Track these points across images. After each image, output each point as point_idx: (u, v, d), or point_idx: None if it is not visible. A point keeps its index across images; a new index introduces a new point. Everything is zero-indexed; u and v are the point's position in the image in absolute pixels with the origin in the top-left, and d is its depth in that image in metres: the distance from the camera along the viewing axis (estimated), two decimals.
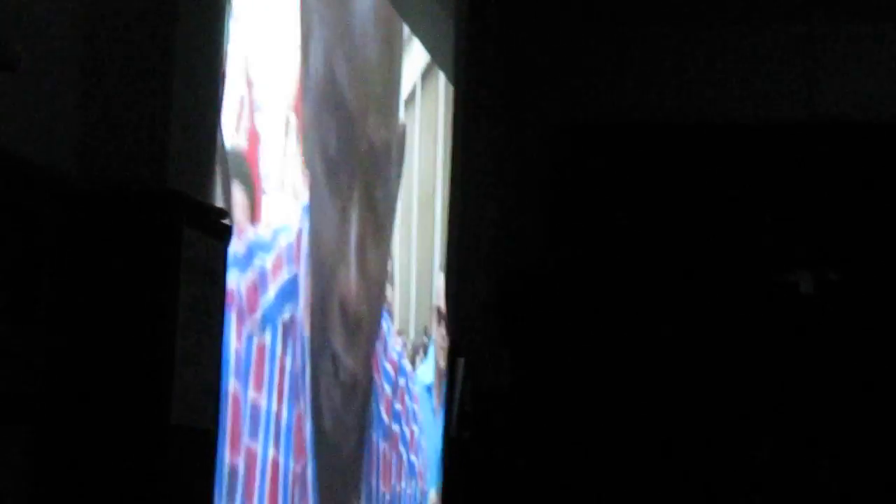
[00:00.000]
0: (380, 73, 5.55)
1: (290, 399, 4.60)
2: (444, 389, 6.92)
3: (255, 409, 4.27)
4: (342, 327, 5.12)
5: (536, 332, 8.60)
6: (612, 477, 8.58)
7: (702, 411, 8.60)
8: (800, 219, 8.68)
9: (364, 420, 5.44)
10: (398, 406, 5.93)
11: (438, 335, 6.84)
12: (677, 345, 8.65)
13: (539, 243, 8.82)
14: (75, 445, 3.30)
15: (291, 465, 4.63)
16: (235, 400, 4.07)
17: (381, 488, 5.70)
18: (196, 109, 3.59)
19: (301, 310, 4.68)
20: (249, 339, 4.20)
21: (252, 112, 4.27)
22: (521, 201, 8.81)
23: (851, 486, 8.52)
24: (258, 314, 4.28)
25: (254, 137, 4.29)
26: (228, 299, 3.78)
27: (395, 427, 5.89)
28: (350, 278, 5.19)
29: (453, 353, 6.99)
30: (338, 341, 5.09)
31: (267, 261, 4.37)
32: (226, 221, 3.69)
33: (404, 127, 5.97)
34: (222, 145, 3.85)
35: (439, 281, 6.90)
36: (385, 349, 5.73)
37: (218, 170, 3.82)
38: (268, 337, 4.36)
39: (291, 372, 4.61)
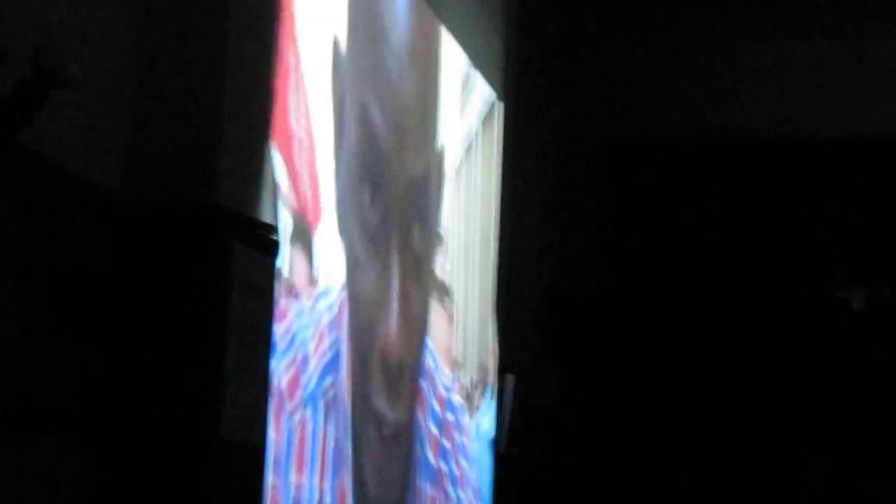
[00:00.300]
0: (416, 105, 5.48)
1: (332, 473, 4.49)
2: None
3: (297, 489, 4.12)
4: (384, 381, 5.02)
5: (585, 348, 8.57)
6: (660, 492, 8.54)
7: (754, 430, 8.54)
8: (853, 235, 8.62)
9: (408, 466, 5.35)
10: (446, 443, 5.84)
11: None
12: (727, 361, 8.59)
13: (588, 259, 8.79)
14: (125, 459, 3.31)
15: None
16: (275, 489, 3.89)
17: None
18: (246, 125, 3.60)
19: (343, 378, 4.58)
20: (290, 419, 4.05)
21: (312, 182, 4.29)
22: (569, 217, 8.79)
23: None
24: (299, 396, 4.14)
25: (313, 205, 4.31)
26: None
27: (443, 466, 5.80)
28: (391, 327, 5.11)
29: (502, 369, 6.98)
30: (380, 399, 4.99)
31: (309, 341, 4.23)
32: (274, 237, 3.71)
33: (443, 148, 5.88)
34: (271, 160, 3.86)
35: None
36: (432, 385, 5.63)
37: (267, 186, 3.83)
38: (308, 414, 4.22)
39: (334, 447, 4.49)
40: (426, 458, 5.55)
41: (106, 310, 3.30)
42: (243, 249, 3.46)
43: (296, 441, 4.12)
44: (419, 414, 5.44)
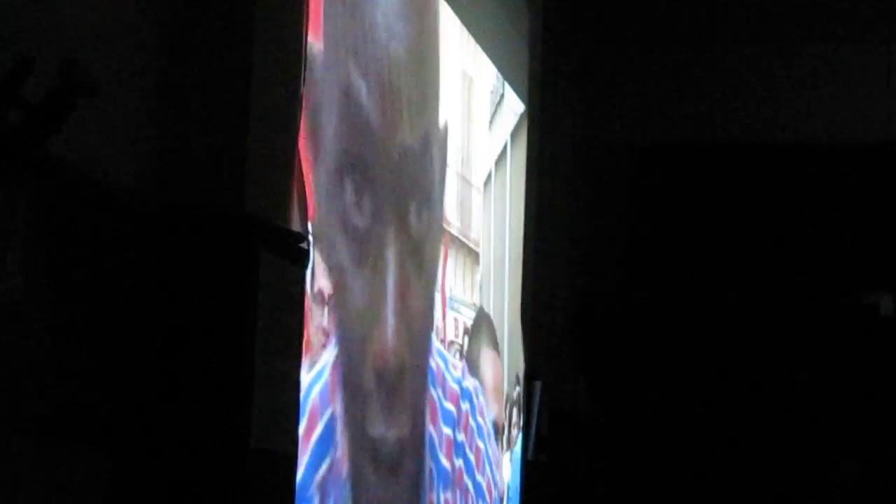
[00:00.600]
0: (411, 63, 4.95)
1: None
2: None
3: None
4: (380, 396, 4.60)
5: (612, 355, 8.56)
6: (688, 498, 8.51)
7: (781, 435, 8.51)
8: (881, 241, 8.59)
9: (413, 492, 5.00)
10: (460, 437, 5.66)
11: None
12: (755, 369, 8.57)
13: (615, 266, 8.77)
14: (155, 468, 3.30)
15: None
16: None
17: None
18: (273, 132, 3.60)
19: (340, 455, 4.22)
20: None
21: None
22: (597, 224, 8.78)
23: None
24: None
25: None
26: None
27: (458, 462, 5.62)
28: (386, 330, 4.69)
29: (530, 376, 6.97)
30: (376, 420, 4.58)
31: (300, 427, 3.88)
32: (302, 245, 3.70)
33: (447, 124, 5.43)
34: (300, 168, 3.85)
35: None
36: (443, 387, 5.38)
37: (295, 195, 3.82)
38: None
39: None
40: (439, 464, 5.32)
41: (135, 318, 3.29)
42: (271, 258, 3.45)
43: None
44: (428, 421, 5.16)
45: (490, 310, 6.17)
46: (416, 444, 5.01)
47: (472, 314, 5.94)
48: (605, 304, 8.62)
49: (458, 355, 5.72)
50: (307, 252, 3.72)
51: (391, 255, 4.69)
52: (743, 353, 8.57)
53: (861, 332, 8.50)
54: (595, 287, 8.66)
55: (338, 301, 4.22)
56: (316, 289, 4.02)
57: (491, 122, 6.26)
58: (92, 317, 3.13)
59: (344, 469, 4.23)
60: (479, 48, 5.91)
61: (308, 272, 3.84)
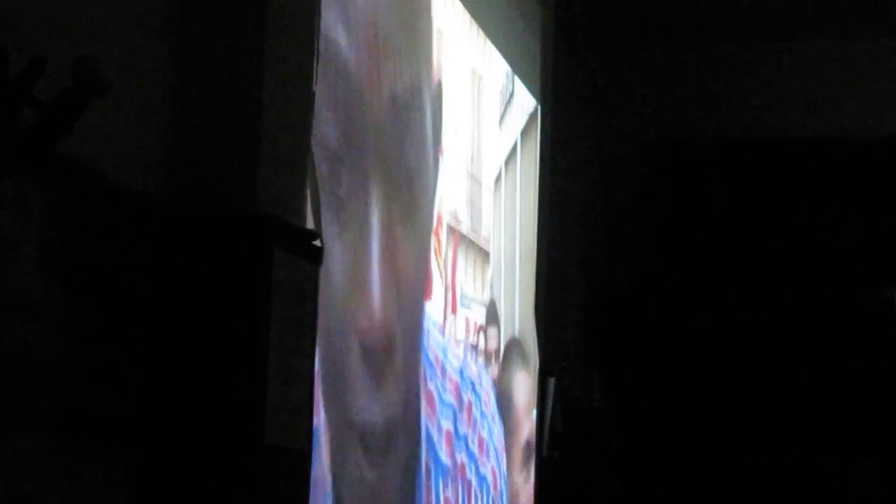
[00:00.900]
0: (400, 14, 4.67)
1: None
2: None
3: None
4: (366, 371, 4.32)
5: (627, 351, 8.55)
6: (703, 497, 8.50)
7: (795, 432, 8.50)
8: (894, 235, 8.57)
9: (408, 472, 4.73)
10: (463, 430, 5.48)
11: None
12: (769, 364, 8.56)
13: (629, 262, 8.77)
14: (170, 467, 3.31)
15: None
16: None
17: None
18: (286, 131, 3.60)
19: (323, 454, 3.94)
20: None
21: None
22: (610, 220, 8.77)
23: None
24: None
25: None
26: None
27: (461, 457, 5.44)
28: (372, 294, 4.38)
29: (544, 372, 6.97)
30: (363, 399, 4.24)
31: None
32: (316, 243, 3.70)
33: (440, 64, 5.08)
34: (313, 166, 3.85)
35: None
36: (442, 373, 5.16)
37: (309, 192, 3.82)
38: None
39: None
40: (438, 460, 5.11)
41: (148, 317, 3.30)
42: (285, 256, 3.46)
43: None
44: (426, 415, 4.93)
45: (501, 306, 6.16)
46: (408, 422, 4.73)
47: (483, 311, 5.93)
48: (618, 300, 8.61)
49: (469, 353, 5.67)
50: (321, 250, 3.73)
51: (375, 208, 4.40)
52: (757, 349, 8.56)
53: (877, 327, 8.48)
54: (608, 283, 8.66)
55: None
56: None
57: (501, 120, 6.25)
58: (106, 316, 3.14)
59: (325, 454, 4.01)
60: (489, 44, 5.90)
61: None
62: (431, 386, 5.05)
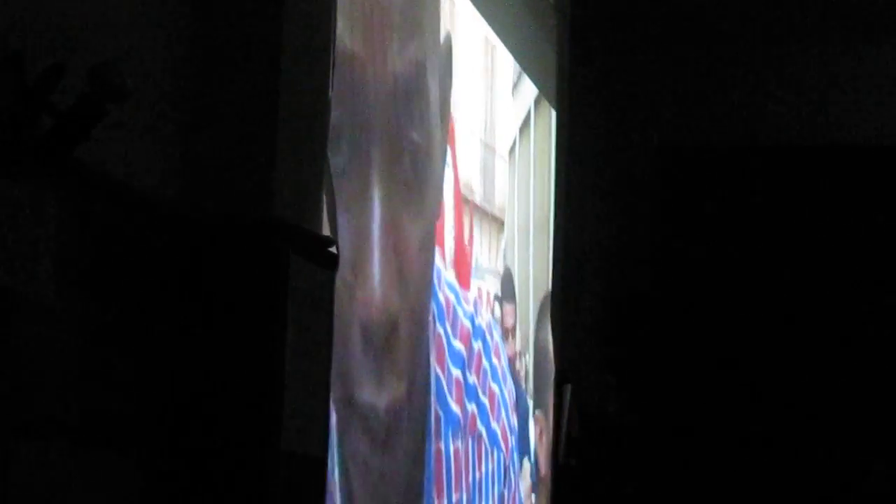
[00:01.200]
0: None
1: None
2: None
3: None
4: (369, 358, 4.23)
5: (644, 357, 8.54)
6: (719, 501, 8.48)
7: (814, 437, 8.48)
8: None
9: (413, 458, 4.62)
10: (472, 379, 5.32)
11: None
12: (788, 369, 8.54)
13: (646, 267, 8.75)
14: (184, 472, 3.31)
15: None
16: None
17: (453, 496, 5.04)
18: (303, 136, 3.60)
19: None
20: None
21: None
22: (627, 225, 8.76)
23: None
24: None
25: None
26: None
27: (471, 407, 5.28)
28: (373, 276, 4.24)
29: (560, 379, 6.96)
30: (367, 386, 4.23)
31: None
32: (332, 249, 3.70)
33: (451, 46, 4.93)
34: (329, 173, 3.85)
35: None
36: (453, 324, 5.00)
37: (325, 198, 3.82)
38: None
39: None
40: (448, 409, 4.97)
41: (164, 324, 3.30)
42: (301, 262, 3.46)
43: None
44: (435, 363, 4.78)
45: (515, 275, 6.11)
46: (414, 404, 4.62)
47: (497, 281, 5.88)
48: (635, 305, 8.60)
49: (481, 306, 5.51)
50: (336, 257, 3.73)
51: (376, 201, 4.27)
52: (772, 353, 8.54)
53: (892, 332, 8.47)
54: (625, 287, 8.64)
55: None
56: None
57: (514, 88, 6.23)
58: (122, 322, 3.14)
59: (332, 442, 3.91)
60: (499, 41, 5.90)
61: None
62: (440, 329, 4.91)
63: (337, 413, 3.93)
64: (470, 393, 5.32)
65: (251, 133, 3.46)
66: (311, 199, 3.68)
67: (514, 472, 6.04)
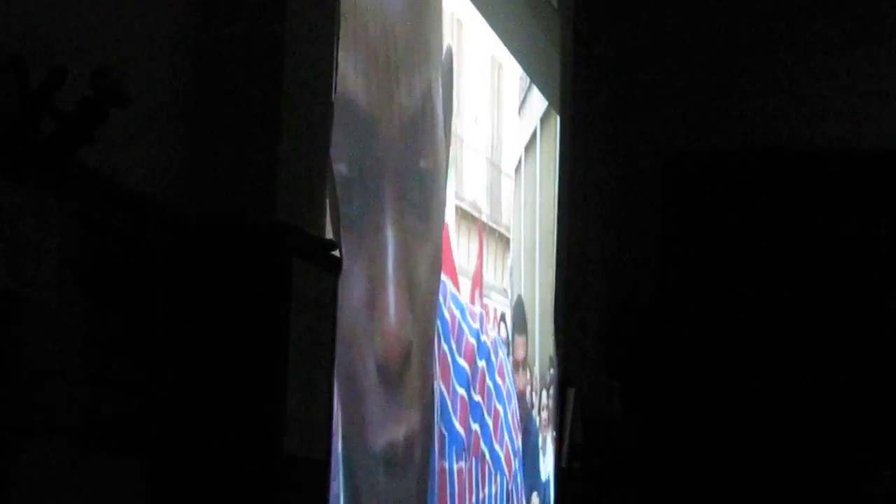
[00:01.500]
0: (406, 21, 4.50)
1: None
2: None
3: None
4: (386, 395, 4.27)
5: (647, 361, 8.54)
6: None
7: (816, 442, 8.47)
8: None
9: (421, 466, 4.64)
10: (477, 398, 5.31)
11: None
12: (792, 374, 8.54)
13: (649, 272, 8.76)
14: (187, 476, 3.32)
15: None
16: None
17: None
18: (305, 140, 3.61)
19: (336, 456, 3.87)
20: None
21: None
22: (631, 230, 8.76)
23: None
24: None
25: None
26: None
27: (475, 427, 5.30)
28: (388, 315, 4.30)
29: (563, 383, 6.96)
30: (386, 425, 4.26)
31: None
32: (335, 253, 3.70)
33: (450, 50, 4.92)
34: (332, 176, 3.86)
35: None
36: (458, 342, 5.00)
37: (328, 202, 3.83)
38: None
39: None
40: (452, 428, 4.97)
41: (167, 327, 3.31)
42: (304, 266, 3.46)
43: None
44: (439, 380, 4.79)
45: (522, 293, 6.13)
46: (425, 426, 4.65)
47: (504, 300, 5.88)
48: (639, 309, 8.60)
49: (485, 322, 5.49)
50: (339, 260, 3.73)
51: (390, 237, 4.30)
52: (777, 359, 8.54)
53: (894, 335, 8.47)
54: (629, 291, 8.65)
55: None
56: None
57: (521, 107, 6.24)
58: (125, 325, 3.14)
59: (339, 474, 3.96)
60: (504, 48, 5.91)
61: None
62: (445, 347, 4.91)
63: (349, 449, 3.95)
64: (474, 412, 5.31)
65: (254, 136, 3.46)
66: (314, 202, 3.68)
67: (516, 498, 6.02)
